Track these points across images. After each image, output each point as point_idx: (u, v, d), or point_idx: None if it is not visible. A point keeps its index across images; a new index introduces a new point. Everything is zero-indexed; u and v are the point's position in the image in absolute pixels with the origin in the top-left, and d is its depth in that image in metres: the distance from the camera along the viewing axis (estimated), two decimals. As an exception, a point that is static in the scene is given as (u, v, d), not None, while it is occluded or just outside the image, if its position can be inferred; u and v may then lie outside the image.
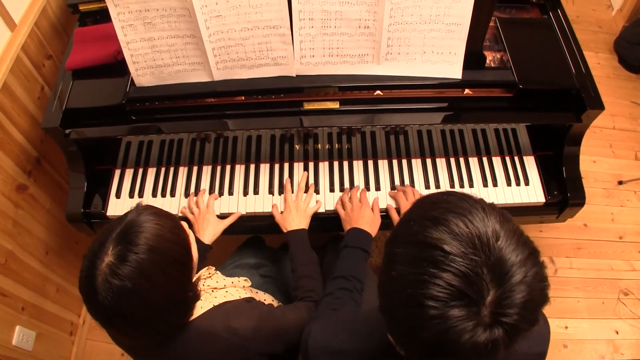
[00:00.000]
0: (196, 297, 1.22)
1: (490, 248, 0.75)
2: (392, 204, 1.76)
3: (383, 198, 1.77)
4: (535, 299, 0.76)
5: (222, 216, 1.77)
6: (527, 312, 0.75)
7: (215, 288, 1.36)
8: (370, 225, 1.66)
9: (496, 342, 0.74)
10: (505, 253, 0.75)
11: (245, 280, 1.50)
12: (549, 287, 0.79)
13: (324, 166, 1.84)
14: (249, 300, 1.37)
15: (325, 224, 1.77)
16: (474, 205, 0.81)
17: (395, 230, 0.89)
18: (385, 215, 1.74)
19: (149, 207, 1.14)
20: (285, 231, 1.68)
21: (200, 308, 1.24)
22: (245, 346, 1.25)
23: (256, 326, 1.27)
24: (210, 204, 1.75)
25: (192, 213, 1.75)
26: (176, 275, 1.10)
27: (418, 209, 0.87)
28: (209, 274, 1.43)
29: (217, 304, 1.27)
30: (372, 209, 1.71)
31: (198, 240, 1.62)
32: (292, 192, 1.76)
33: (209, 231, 1.69)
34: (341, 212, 1.72)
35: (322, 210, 1.77)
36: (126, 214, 1.09)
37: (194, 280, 1.21)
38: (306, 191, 1.78)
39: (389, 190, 1.79)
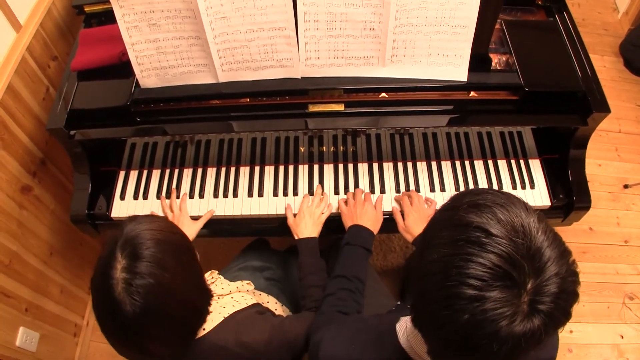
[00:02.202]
0: (210, 293, 1.21)
1: (532, 237, 0.76)
2: (397, 207, 1.75)
3: (388, 201, 1.77)
4: (568, 290, 0.76)
5: (227, 219, 1.77)
6: (561, 302, 0.75)
7: (221, 295, 1.36)
8: (373, 222, 1.65)
9: (533, 333, 0.74)
10: (544, 246, 0.76)
11: (248, 283, 1.50)
12: (579, 284, 0.79)
13: (328, 169, 1.83)
14: (261, 311, 1.37)
15: (330, 226, 1.76)
16: (516, 200, 0.82)
17: (434, 218, 0.89)
18: (388, 218, 1.74)
19: (139, 215, 1.14)
20: (296, 237, 1.67)
21: (212, 321, 1.23)
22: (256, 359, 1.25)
23: (268, 340, 1.27)
24: (183, 207, 1.75)
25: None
26: (190, 262, 1.11)
27: (460, 198, 0.87)
28: (212, 278, 1.42)
29: (227, 315, 1.27)
30: (375, 207, 1.70)
31: None
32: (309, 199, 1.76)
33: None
34: (343, 207, 1.71)
35: (326, 212, 1.76)
36: (121, 228, 1.08)
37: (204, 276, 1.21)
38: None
39: (394, 193, 1.78)
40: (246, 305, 1.34)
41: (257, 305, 1.38)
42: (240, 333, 1.25)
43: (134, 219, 1.10)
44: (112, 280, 0.99)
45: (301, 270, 1.60)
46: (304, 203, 1.73)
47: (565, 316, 0.77)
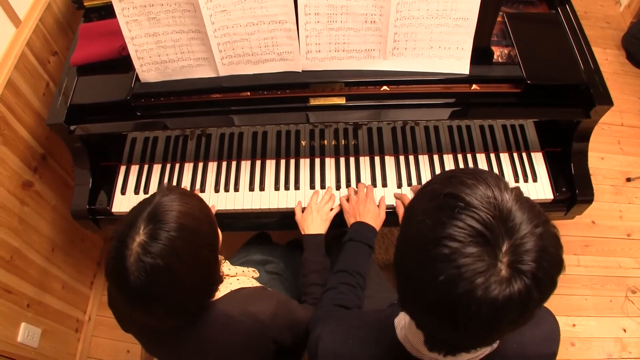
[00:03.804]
0: (221, 278, 1.22)
1: (502, 200, 0.77)
2: (400, 202, 1.75)
3: (390, 195, 1.76)
4: (550, 250, 0.77)
5: (228, 213, 1.76)
6: (545, 263, 0.75)
7: (228, 275, 1.36)
8: (375, 219, 1.64)
9: (513, 297, 0.73)
10: (514, 208, 0.77)
11: (254, 270, 1.50)
12: (561, 249, 0.80)
13: (330, 162, 1.82)
14: (265, 288, 1.38)
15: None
16: (488, 173, 0.84)
17: (414, 195, 0.91)
18: (390, 212, 1.73)
19: (176, 188, 1.14)
20: (303, 233, 1.67)
21: (219, 292, 1.24)
22: (262, 331, 1.25)
23: (274, 312, 1.27)
24: None
25: None
26: (206, 254, 1.11)
27: (437, 177, 0.89)
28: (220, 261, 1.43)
29: (234, 289, 1.28)
30: (378, 205, 1.70)
31: None
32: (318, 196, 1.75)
33: None
34: (345, 205, 1.71)
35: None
36: (153, 195, 1.09)
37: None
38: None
39: (396, 186, 1.78)
40: (252, 286, 1.35)
41: (262, 287, 1.40)
42: (247, 303, 1.26)
43: (168, 192, 1.10)
44: (127, 250, 1.01)
45: (304, 267, 1.60)
46: (313, 199, 1.73)
47: (551, 282, 0.78)
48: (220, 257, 1.41)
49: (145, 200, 1.10)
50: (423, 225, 0.79)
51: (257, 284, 1.41)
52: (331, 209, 1.73)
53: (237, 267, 1.45)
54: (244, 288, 1.31)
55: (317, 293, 1.53)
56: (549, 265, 0.76)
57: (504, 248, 0.74)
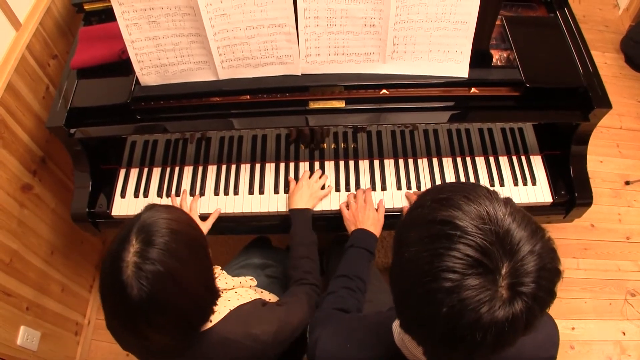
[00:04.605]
0: (218, 292, 1.20)
1: (498, 221, 0.76)
2: (406, 204, 1.75)
3: (389, 198, 1.77)
4: (548, 267, 0.76)
5: (228, 216, 1.76)
6: (543, 280, 0.75)
7: (225, 289, 1.36)
8: (375, 225, 1.65)
9: (516, 317, 0.73)
10: (513, 227, 0.76)
11: (251, 279, 1.50)
12: (559, 261, 0.79)
13: (329, 166, 1.83)
14: (264, 302, 1.37)
15: (330, 223, 1.77)
16: (478, 188, 0.83)
17: (404, 218, 0.89)
18: (388, 215, 1.73)
19: (158, 204, 1.14)
20: (290, 207, 1.68)
21: (218, 314, 1.23)
22: (263, 352, 1.26)
23: (276, 331, 1.28)
24: (193, 207, 1.74)
25: None
26: (202, 257, 1.11)
27: (425, 196, 0.87)
28: (216, 274, 1.42)
29: (233, 307, 1.27)
30: (377, 210, 1.70)
31: None
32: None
33: None
34: (345, 212, 1.71)
35: (327, 209, 1.76)
36: (138, 214, 1.09)
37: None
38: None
39: (395, 190, 1.78)
40: (250, 300, 1.35)
41: (260, 299, 1.39)
42: (249, 325, 1.25)
43: (152, 207, 1.11)
44: (122, 262, 0.99)
45: (293, 239, 1.62)
46: (305, 176, 1.74)
47: (551, 295, 0.77)
48: (217, 268, 1.41)
49: (131, 219, 1.09)
50: (419, 257, 0.78)
51: (255, 294, 1.41)
52: (322, 189, 1.75)
53: (235, 278, 1.44)
54: (243, 305, 1.29)
55: (305, 266, 1.55)
56: (547, 282, 0.76)
57: (503, 271, 0.73)
